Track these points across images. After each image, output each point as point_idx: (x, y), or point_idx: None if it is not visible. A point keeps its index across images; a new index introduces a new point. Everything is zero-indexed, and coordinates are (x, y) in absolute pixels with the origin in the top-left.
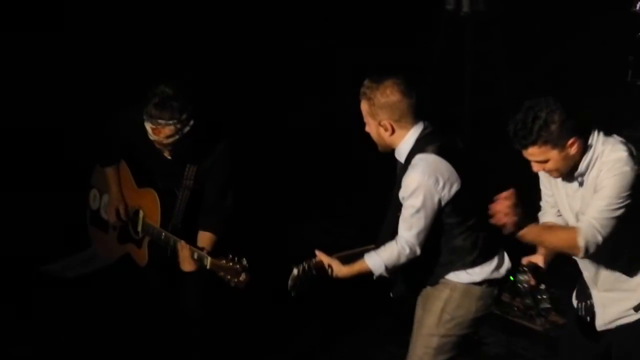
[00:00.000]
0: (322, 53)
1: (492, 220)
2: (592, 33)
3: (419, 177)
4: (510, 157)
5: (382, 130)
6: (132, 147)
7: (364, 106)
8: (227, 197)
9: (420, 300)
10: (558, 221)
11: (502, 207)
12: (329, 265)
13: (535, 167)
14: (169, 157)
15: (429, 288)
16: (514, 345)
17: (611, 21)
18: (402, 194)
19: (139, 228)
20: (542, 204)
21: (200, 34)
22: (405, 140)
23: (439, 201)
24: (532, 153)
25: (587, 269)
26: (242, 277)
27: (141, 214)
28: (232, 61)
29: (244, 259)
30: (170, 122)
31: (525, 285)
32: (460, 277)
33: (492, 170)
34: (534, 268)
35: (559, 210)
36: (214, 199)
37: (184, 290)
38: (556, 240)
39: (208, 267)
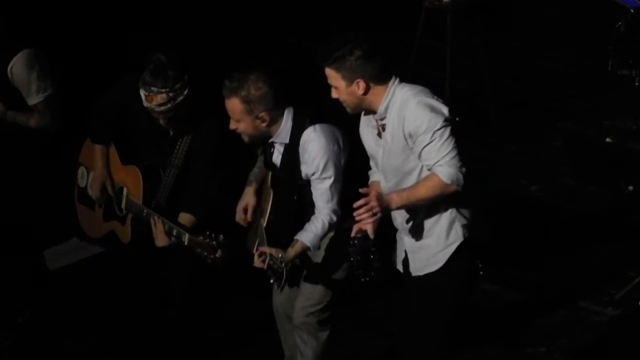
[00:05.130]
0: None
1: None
2: (572, 22)
3: (324, 147)
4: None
5: (259, 122)
6: (124, 121)
7: (236, 104)
8: (212, 179)
9: None
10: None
11: (364, 212)
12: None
13: (332, 92)
14: (164, 125)
15: None
16: None
17: (591, 10)
18: (311, 170)
19: (123, 205)
20: (371, 163)
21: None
22: (283, 123)
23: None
24: (327, 74)
25: (398, 214)
26: (219, 253)
27: (125, 191)
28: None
29: (221, 235)
30: (163, 90)
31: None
32: None
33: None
34: (364, 237)
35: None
36: (199, 180)
37: (167, 272)
38: (425, 193)
39: (186, 243)
